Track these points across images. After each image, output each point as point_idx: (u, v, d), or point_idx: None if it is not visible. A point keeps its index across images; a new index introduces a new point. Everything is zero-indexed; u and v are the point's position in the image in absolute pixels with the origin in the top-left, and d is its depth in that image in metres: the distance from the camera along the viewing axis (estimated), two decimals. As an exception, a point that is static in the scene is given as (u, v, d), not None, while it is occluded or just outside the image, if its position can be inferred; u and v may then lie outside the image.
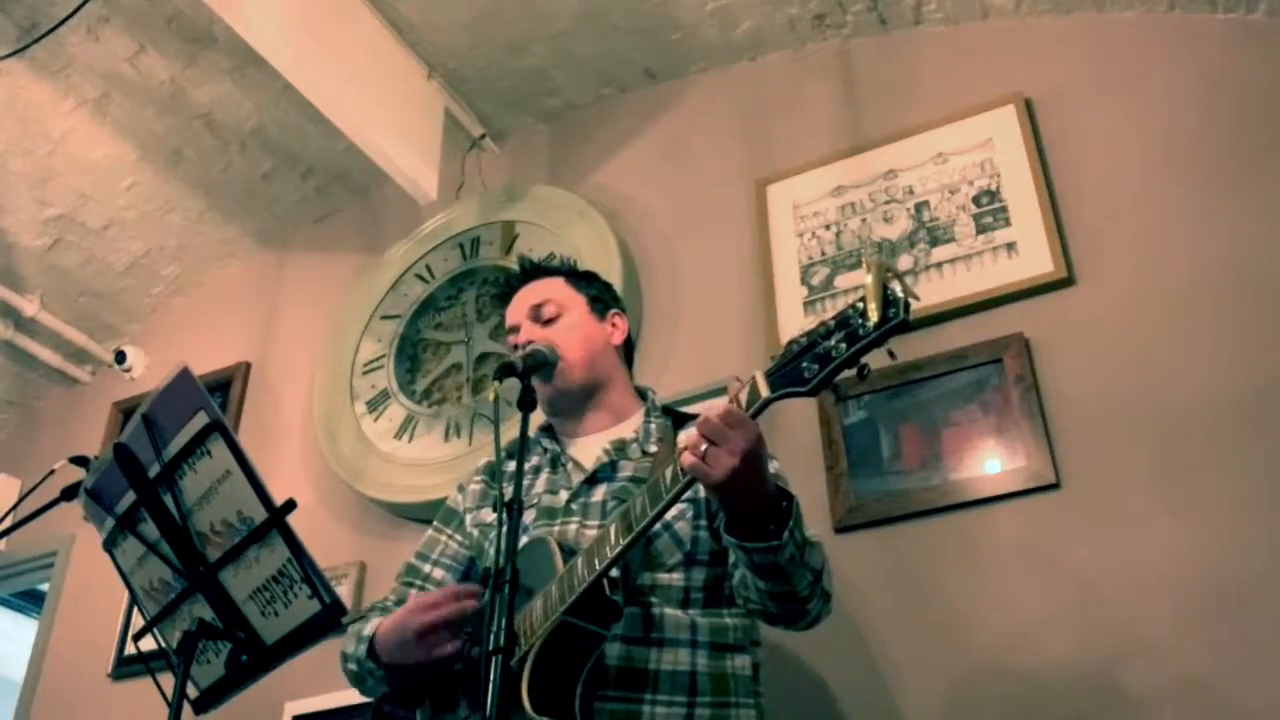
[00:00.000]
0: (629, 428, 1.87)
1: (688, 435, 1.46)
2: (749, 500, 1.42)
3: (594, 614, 1.53)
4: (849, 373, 1.30)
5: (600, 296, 2.00)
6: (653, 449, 1.81)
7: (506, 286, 2.05)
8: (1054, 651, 2.09)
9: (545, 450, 1.89)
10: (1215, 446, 2.13)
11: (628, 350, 2.02)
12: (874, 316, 1.23)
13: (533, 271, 2.03)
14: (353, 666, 1.78)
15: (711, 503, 1.71)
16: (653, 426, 1.86)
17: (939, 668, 2.17)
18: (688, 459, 1.39)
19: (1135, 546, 2.11)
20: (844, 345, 1.27)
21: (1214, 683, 1.94)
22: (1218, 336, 2.22)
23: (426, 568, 1.91)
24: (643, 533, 1.48)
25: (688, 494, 1.69)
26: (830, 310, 2.59)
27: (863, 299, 1.25)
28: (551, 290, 1.96)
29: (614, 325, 1.99)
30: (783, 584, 1.50)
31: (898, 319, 1.23)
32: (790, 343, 1.35)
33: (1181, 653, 1.99)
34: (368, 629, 1.75)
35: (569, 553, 1.60)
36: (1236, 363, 2.17)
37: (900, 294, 1.23)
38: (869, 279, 1.25)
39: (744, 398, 1.39)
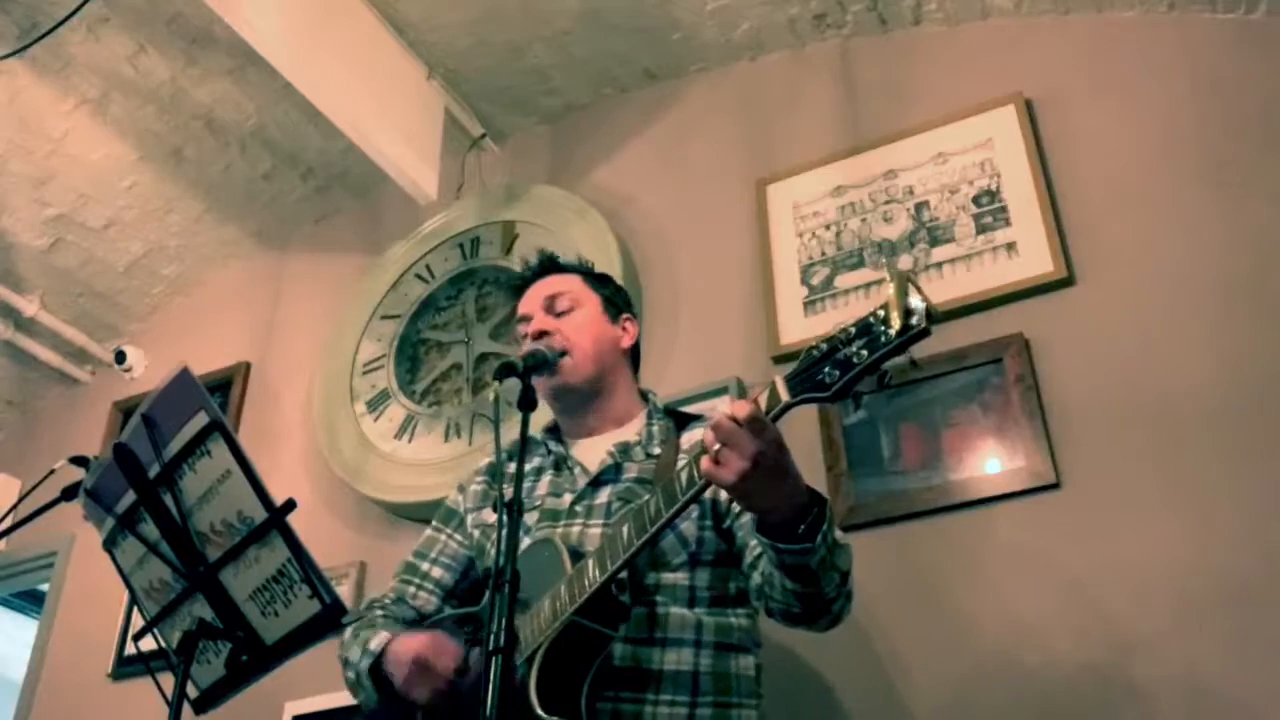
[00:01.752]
0: (632, 430, 1.87)
1: (702, 434, 1.46)
2: (768, 502, 1.42)
3: (603, 615, 1.53)
4: (868, 380, 1.30)
5: (614, 299, 2.01)
6: (656, 451, 1.81)
7: (521, 280, 2.05)
8: (1054, 651, 2.09)
9: (549, 452, 1.89)
10: (1215, 445, 2.13)
11: (635, 356, 2.03)
12: (896, 324, 1.24)
13: (551, 266, 2.04)
14: (351, 675, 1.76)
15: (719, 504, 1.72)
16: (655, 428, 1.86)
17: (939, 667, 2.17)
18: (705, 464, 1.39)
19: (1135, 546, 2.11)
20: (866, 352, 1.27)
21: (1215, 679, 1.95)
22: (1217, 336, 2.22)
23: (425, 566, 1.91)
24: (657, 533, 1.48)
25: None
26: (831, 310, 2.64)
27: (884, 307, 1.26)
28: (568, 285, 1.97)
29: (624, 329, 1.99)
30: (811, 585, 1.50)
31: (920, 326, 1.24)
32: (810, 349, 1.34)
33: (1182, 650, 1.99)
34: (375, 642, 1.72)
35: (576, 554, 1.60)
36: (1236, 362, 2.17)
37: (922, 303, 1.24)
38: (891, 288, 1.26)
39: (764, 402, 1.38)
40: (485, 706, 1.26)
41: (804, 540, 1.43)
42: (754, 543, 1.59)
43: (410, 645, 1.66)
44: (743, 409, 1.36)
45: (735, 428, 1.35)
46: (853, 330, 1.29)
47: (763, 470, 1.36)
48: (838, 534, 1.54)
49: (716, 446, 1.37)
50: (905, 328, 1.24)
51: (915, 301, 1.24)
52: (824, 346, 1.32)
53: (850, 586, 1.59)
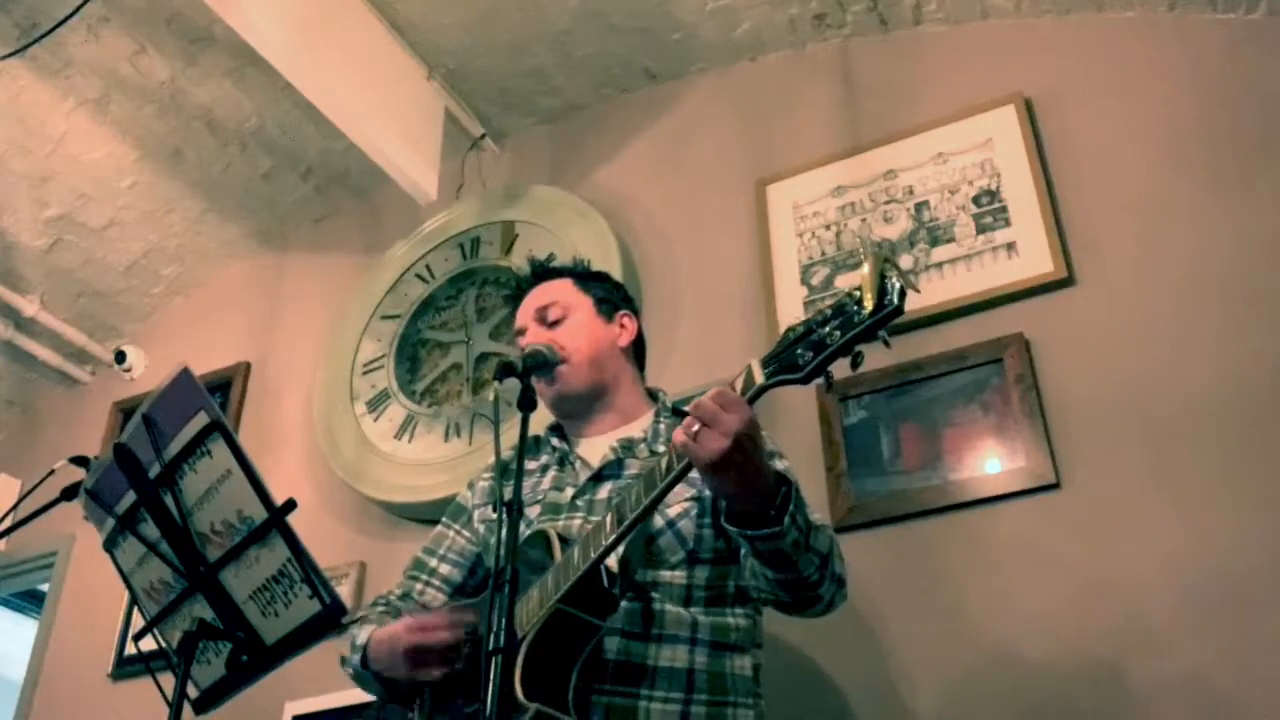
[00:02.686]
0: (638, 427, 1.88)
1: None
2: (743, 485, 1.43)
3: (589, 603, 1.53)
4: (842, 360, 1.31)
5: (608, 297, 2.00)
6: (660, 448, 1.81)
7: (516, 289, 2.06)
8: (1055, 651, 2.09)
9: (554, 449, 1.90)
10: (1215, 446, 2.13)
11: (639, 350, 2.02)
12: (869, 305, 1.25)
13: (541, 274, 2.04)
14: (349, 671, 1.80)
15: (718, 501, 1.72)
16: (662, 426, 1.87)
17: (938, 668, 2.17)
18: (679, 437, 1.40)
19: (1135, 546, 2.11)
20: (838, 333, 1.29)
21: (1215, 679, 1.95)
22: (1217, 336, 2.22)
23: (433, 562, 1.92)
24: (637, 520, 1.48)
25: (691, 491, 1.69)
26: (830, 308, 2.63)
27: (859, 288, 1.27)
28: (558, 292, 1.97)
29: (622, 326, 1.98)
30: (790, 570, 1.51)
31: (891, 308, 1.24)
32: (787, 330, 1.36)
33: (1182, 649, 1.99)
34: (360, 637, 1.76)
35: (567, 543, 1.61)
36: (1236, 362, 2.17)
37: (896, 284, 1.25)
38: (866, 268, 1.27)
39: (740, 384, 1.40)
40: (485, 707, 1.27)
41: (773, 524, 1.44)
42: None
43: (388, 630, 1.68)
44: (720, 390, 1.38)
45: (715, 408, 1.38)
46: (828, 311, 1.31)
47: (738, 450, 1.37)
48: (814, 516, 1.55)
49: (695, 427, 1.39)
50: (878, 308, 1.25)
51: (890, 283, 1.25)
52: (800, 328, 1.34)
53: (836, 570, 1.59)
